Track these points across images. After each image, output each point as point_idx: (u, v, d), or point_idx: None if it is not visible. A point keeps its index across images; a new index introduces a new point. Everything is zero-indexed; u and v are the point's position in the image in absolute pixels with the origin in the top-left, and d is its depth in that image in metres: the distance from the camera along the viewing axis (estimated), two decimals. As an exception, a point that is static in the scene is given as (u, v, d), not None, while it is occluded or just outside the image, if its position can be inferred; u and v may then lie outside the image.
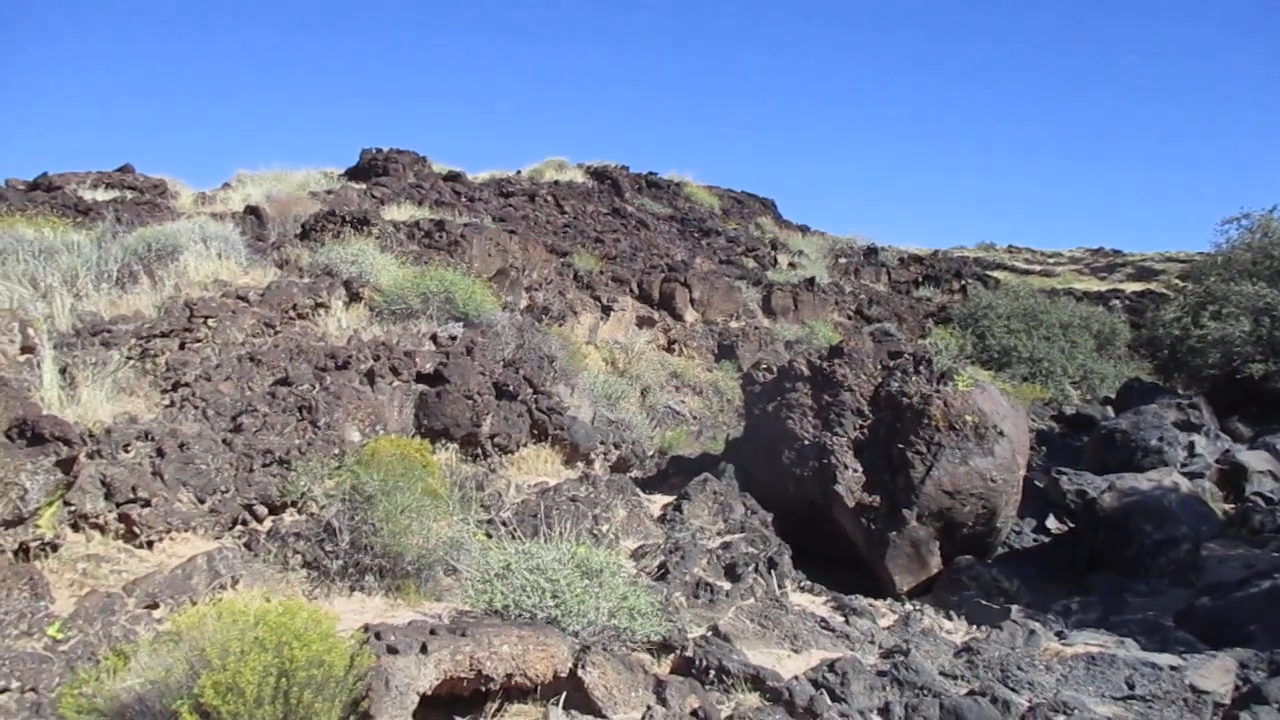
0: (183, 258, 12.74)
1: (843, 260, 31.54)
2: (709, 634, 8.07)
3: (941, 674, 7.92)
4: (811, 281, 25.63)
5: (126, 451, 8.14)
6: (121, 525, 7.68)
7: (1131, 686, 7.71)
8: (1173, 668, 7.96)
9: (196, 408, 9.45)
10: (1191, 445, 16.81)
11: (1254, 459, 15.83)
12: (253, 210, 16.90)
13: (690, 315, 21.48)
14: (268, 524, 8.59)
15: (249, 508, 8.57)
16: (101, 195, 18.99)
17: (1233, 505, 14.86)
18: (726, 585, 9.27)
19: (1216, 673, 8.01)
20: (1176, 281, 25.02)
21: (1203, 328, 19.94)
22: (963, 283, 31.26)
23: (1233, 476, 15.51)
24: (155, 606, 6.81)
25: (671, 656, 7.66)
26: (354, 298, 12.96)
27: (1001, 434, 11.13)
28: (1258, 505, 14.21)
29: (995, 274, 36.46)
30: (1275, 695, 7.77)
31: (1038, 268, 45.82)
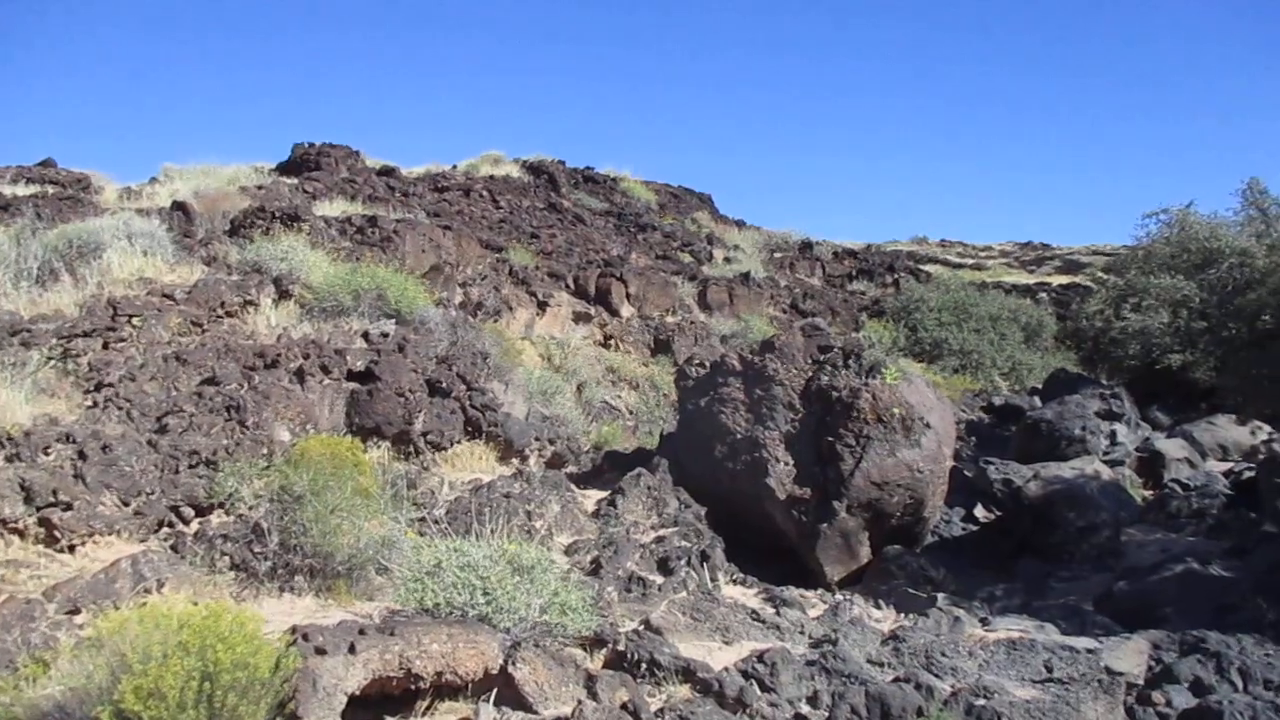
0: (106, 255, 12.48)
1: (778, 255, 31.84)
2: (641, 628, 8.15)
3: (869, 662, 8.09)
4: (747, 276, 25.84)
5: (46, 454, 8.00)
6: (42, 530, 7.55)
7: (1050, 669, 7.95)
8: (1089, 650, 8.23)
9: (120, 409, 9.30)
10: (1113, 434, 17.31)
11: (1172, 447, 16.36)
12: (180, 206, 16.56)
13: (626, 310, 21.54)
14: (195, 526, 8.49)
15: (175, 510, 8.47)
16: (22, 190, 18.48)
17: (1152, 491, 15.35)
18: (659, 579, 9.36)
19: (1130, 654, 8.29)
20: (1100, 275, 25.67)
21: (1124, 320, 20.51)
22: (895, 277, 31.73)
23: (1152, 464, 16.02)
24: (77, 612, 6.71)
25: (604, 651, 7.72)
26: (284, 295, 12.81)
27: (928, 426, 11.37)
28: (1175, 491, 14.69)
29: (928, 268, 37.09)
30: (1185, 675, 8.08)
31: (969, 261, 46.67)
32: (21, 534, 7.46)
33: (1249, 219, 19.90)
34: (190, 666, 4.78)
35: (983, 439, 19.69)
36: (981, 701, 6.99)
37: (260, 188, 20.16)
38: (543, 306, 19.38)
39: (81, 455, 8.11)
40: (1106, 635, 9.11)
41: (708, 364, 12.93)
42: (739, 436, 11.73)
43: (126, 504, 8.12)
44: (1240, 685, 7.89)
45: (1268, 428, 15.65)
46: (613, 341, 20.35)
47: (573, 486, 11.68)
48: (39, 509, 7.50)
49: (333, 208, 19.16)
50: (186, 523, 8.51)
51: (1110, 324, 21.30)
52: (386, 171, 25.61)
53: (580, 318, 20.29)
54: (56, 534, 7.55)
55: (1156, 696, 7.87)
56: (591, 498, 11.76)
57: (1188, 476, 15.47)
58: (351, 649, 5.77)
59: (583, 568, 9.39)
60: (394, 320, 12.48)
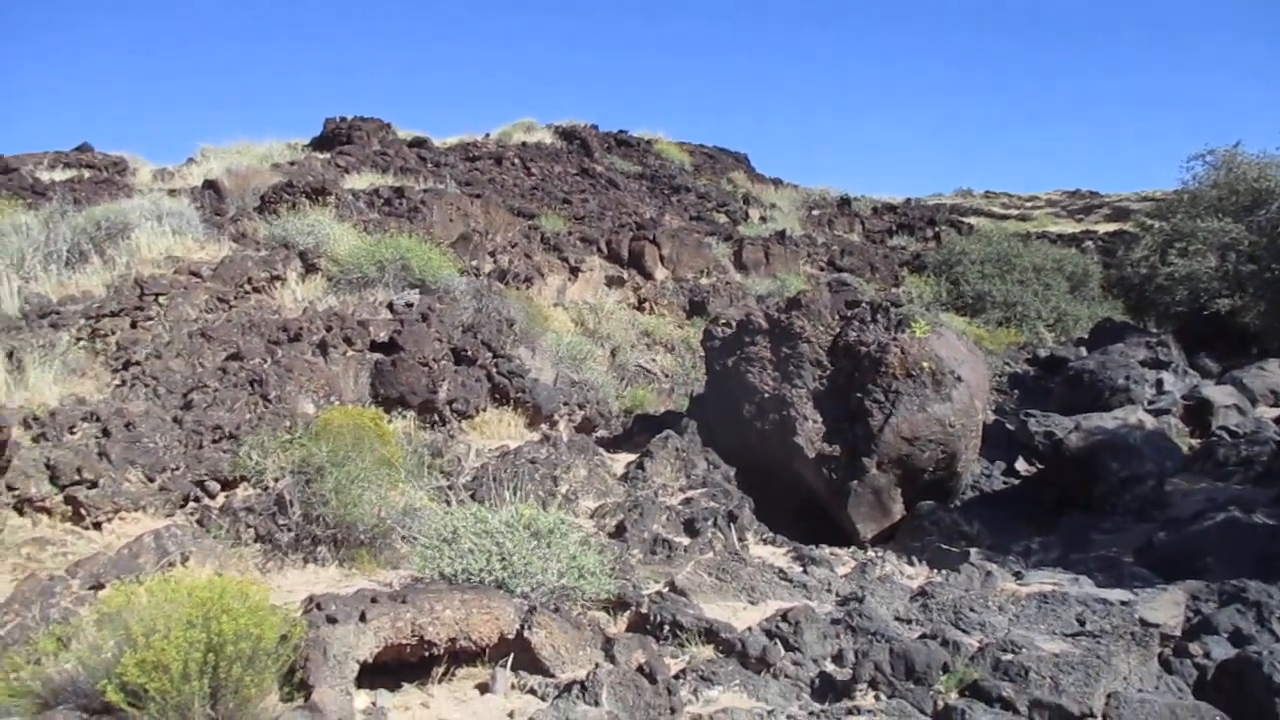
0: (135, 235, 12.60)
1: (816, 212, 31.45)
2: (665, 589, 8.11)
3: (896, 619, 7.98)
4: (783, 234, 25.53)
5: (72, 433, 8.10)
6: (68, 507, 7.66)
7: (1082, 623, 7.77)
8: (1123, 602, 8.04)
9: (147, 386, 9.40)
10: (1160, 383, 16.91)
11: (1219, 394, 15.92)
12: (211, 184, 16.71)
13: (660, 273, 21.40)
14: (220, 500, 8.58)
15: (200, 484, 8.55)
16: (59, 175, 18.76)
17: (1199, 440, 14.96)
18: (685, 540, 9.30)
19: (1166, 605, 8.09)
20: (1145, 220, 25.00)
21: (1170, 265, 19.97)
22: (936, 230, 31.20)
23: (1199, 412, 15.60)
24: (100, 587, 6.78)
25: (627, 614, 7.70)
26: (310, 269, 12.85)
27: (959, 379, 11.15)
28: (1222, 439, 14.30)
29: (971, 220, 36.39)
30: (1225, 625, 7.86)
31: (1015, 212, 45.75)
32: (49, 512, 7.57)
33: (1300, 157, 19.26)
34: (194, 639, 4.80)
35: (1027, 391, 19.36)
36: (1009, 656, 6.85)
37: (292, 164, 20.28)
38: (575, 272, 19.31)
39: (106, 433, 8.20)
40: (1144, 587, 8.90)
41: (734, 323, 12.78)
42: (766, 395, 11.60)
43: (152, 480, 8.21)
44: (1281, 635, 7.67)
45: (1316, 370, 15.17)
46: (647, 304, 20.23)
47: (601, 451, 11.66)
48: (64, 487, 7.60)
49: (362, 180, 19.21)
50: (212, 497, 8.60)
51: (1156, 270, 20.75)
52: (418, 143, 25.61)
53: (613, 282, 20.19)
54: (83, 511, 7.66)
55: (1194, 648, 7.67)
56: (620, 461, 11.72)
57: (1236, 424, 15.05)
58: (363, 617, 5.79)
59: (607, 531, 9.37)
60: (419, 290, 12.48)
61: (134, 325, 10.44)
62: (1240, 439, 14.21)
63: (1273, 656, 7.02)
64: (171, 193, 15.80)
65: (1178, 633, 7.93)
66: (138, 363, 9.66)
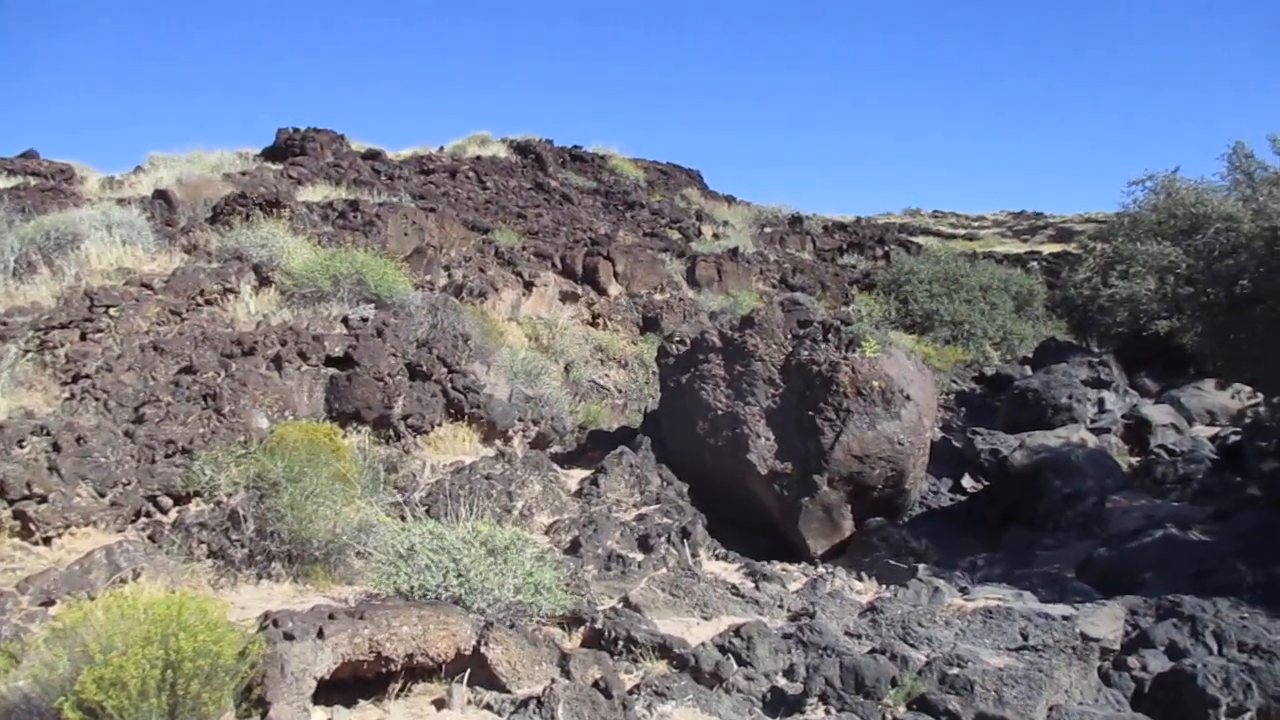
0: (85, 245, 12.46)
1: (768, 230, 31.76)
2: (619, 605, 8.20)
3: (846, 634, 8.14)
4: (735, 252, 25.78)
5: (21, 447, 7.99)
6: (17, 523, 7.57)
7: (1025, 637, 7.99)
8: (1064, 617, 8.27)
9: (97, 399, 9.30)
10: (1101, 401, 17.36)
11: (1158, 413, 16.39)
12: (161, 195, 16.50)
13: (614, 289, 21.51)
14: (172, 515, 8.51)
15: (152, 499, 8.48)
16: (3, 183, 18.42)
17: (1139, 458, 15.38)
18: (639, 556, 9.39)
19: (1106, 620, 8.34)
20: (1088, 242, 25.62)
21: (1111, 287, 20.50)
22: (886, 249, 31.68)
23: (1138, 430, 16.04)
24: (51, 603, 6.73)
25: (582, 629, 7.77)
26: (264, 282, 12.77)
27: (908, 398, 11.38)
28: (1160, 457, 14.73)
29: (920, 239, 36.96)
30: (1161, 640, 8.13)
31: (962, 232, 46.49)
32: (-3, 527, 7.48)
33: (1235, 183, 19.83)
34: (152, 655, 4.80)
35: (974, 409, 19.74)
36: (955, 670, 7.03)
37: (244, 174, 20.09)
38: (529, 287, 19.34)
39: (56, 447, 8.11)
40: (1086, 602, 9.16)
41: (688, 341, 12.93)
42: (720, 412, 11.75)
43: (103, 495, 8.13)
44: (1215, 648, 7.95)
45: (1248, 390, 15.67)
46: (601, 320, 20.33)
47: (555, 466, 11.72)
48: (13, 502, 7.51)
49: (316, 193, 19.09)
50: (164, 512, 8.53)
51: (1098, 292, 21.30)
52: (372, 155, 25.51)
53: (567, 297, 20.26)
54: (32, 526, 7.57)
55: (1132, 661, 7.94)
56: (575, 477, 11.79)
57: (1174, 442, 15.51)
58: (320, 634, 5.80)
59: (562, 547, 9.43)
60: (374, 305, 12.46)
61: (84, 337, 10.31)
62: (1178, 457, 14.66)
63: (1206, 669, 7.29)
64: (121, 202, 15.60)
65: (1117, 647, 8.20)
66: (88, 376, 9.55)
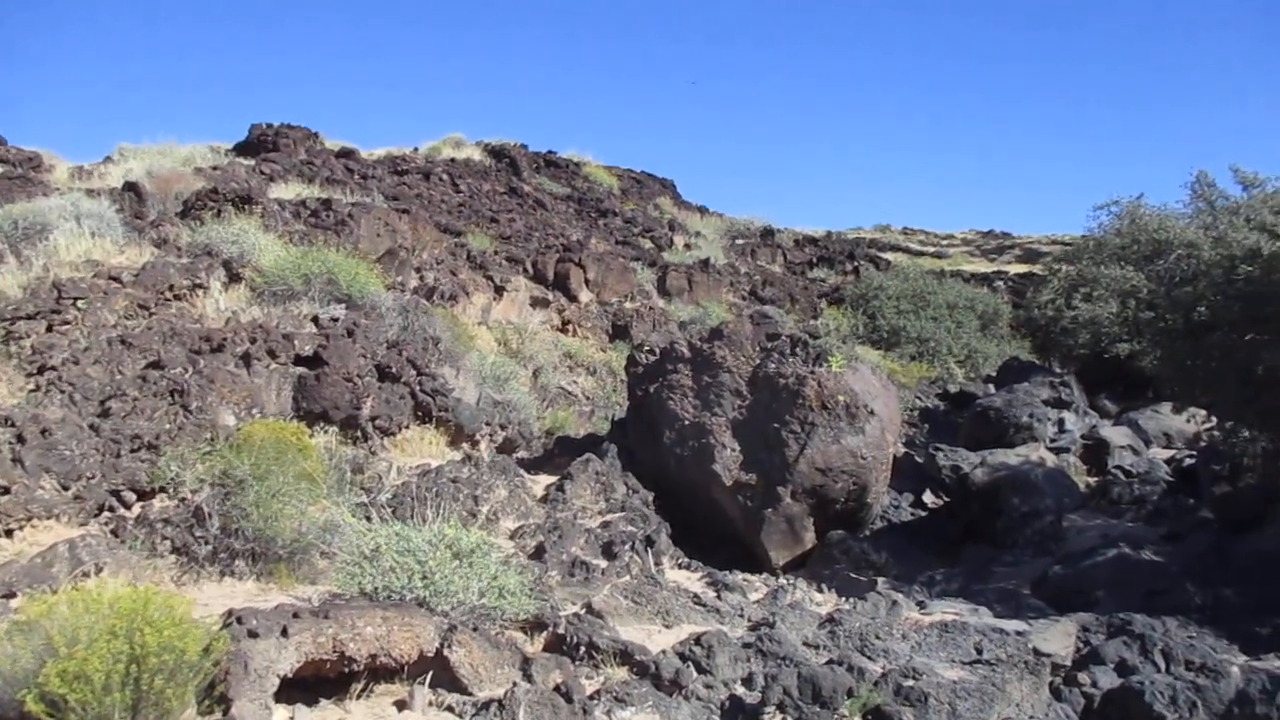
0: (53, 236, 12.36)
1: (740, 242, 31.96)
2: (582, 611, 8.27)
3: (805, 644, 8.26)
4: (707, 263, 25.93)
5: (-16, 438, 7.95)
6: (-21, 514, 7.52)
7: (980, 651, 8.15)
8: (1018, 633, 8.44)
9: (63, 392, 9.26)
10: (1061, 421, 17.63)
11: (1116, 434, 16.69)
12: (131, 186, 16.40)
13: (585, 296, 21.59)
14: (136, 510, 8.49)
15: (116, 494, 8.46)
16: (-31, 169, 18.22)
17: (1096, 478, 15.66)
18: (602, 563, 9.47)
19: (1058, 636, 8.52)
20: (1054, 264, 26.06)
21: (1074, 309, 20.84)
22: (855, 264, 31.96)
23: (1097, 451, 16.34)
24: (12, 596, 6.72)
25: (545, 634, 7.83)
26: (234, 279, 12.74)
27: (872, 413, 11.55)
28: (1117, 478, 15.01)
29: (889, 255, 37.34)
30: (1111, 656, 8.31)
31: (931, 249, 47.00)
32: (-42, 518, 7.44)
33: (1197, 211, 20.29)
34: (117, 650, 4.82)
35: (937, 426, 19.99)
36: (910, 683, 7.16)
37: (216, 169, 19.97)
38: (500, 291, 19.37)
39: (20, 439, 8.07)
40: (1039, 618, 9.34)
41: (658, 350, 13.04)
42: (687, 423, 11.86)
43: (66, 488, 8.11)
44: (1163, 666, 8.13)
45: (1203, 414, 16.01)
46: (571, 327, 20.40)
47: (522, 472, 11.77)
48: (-25, 493, 7.48)
49: (289, 190, 19.02)
50: (128, 507, 8.51)
51: (1062, 313, 21.63)
52: (346, 154, 25.43)
53: (538, 303, 20.31)
54: (-7, 518, 7.53)
55: (1082, 677, 8.10)
56: (541, 483, 11.85)
57: (1131, 463, 15.81)
58: (284, 632, 5.83)
59: (527, 552, 9.49)
60: (344, 305, 12.46)
61: (50, 329, 10.25)
62: (1134, 478, 14.94)
63: (1154, 686, 7.46)
64: (90, 193, 15.47)
65: (1068, 663, 8.37)
66: (54, 368, 9.50)
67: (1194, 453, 15.70)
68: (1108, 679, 8.00)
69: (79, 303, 10.66)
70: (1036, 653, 8.05)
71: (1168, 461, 16.06)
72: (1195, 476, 14.44)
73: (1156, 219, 20.41)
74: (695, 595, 9.27)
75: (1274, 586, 9.85)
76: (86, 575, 7.18)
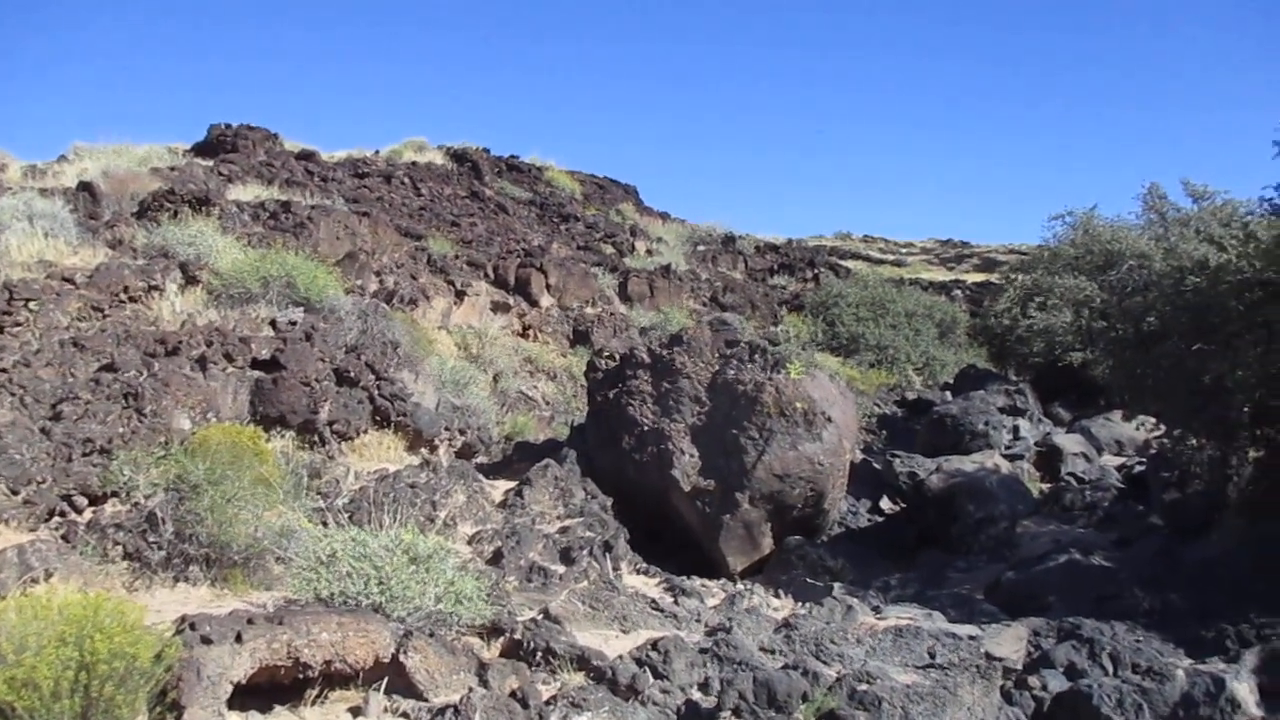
0: (4, 236, 12.20)
1: (701, 248, 32.11)
2: (539, 617, 8.27)
3: (761, 649, 8.32)
4: (668, 269, 26.04)
5: (-68, 441, 7.82)
6: (-75, 518, 7.40)
7: (933, 656, 8.25)
8: (971, 637, 8.56)
9: (14, 395, 9.13)
10: (1016, 429, 17.88)
11: (1069, 442, 16.95)
12: (86, 186, 16.18)
13: (546, 301, 21.59)
14: (88, 515, 8.38)
15: (67, 498, 8.35)
16: (-83, 167, 17.91)
17: (1050, 485, 15.90)
18: (560, 569, 9.48)
19: (1009, 640, 8.65)
20: (1010, 274, 26.46)
21: (1029, 318, 21.16)
22: (816, 272, 32.25)
23: (1050, 458, 16.59)
24: (-42, 602, 6.60)
25: (501, 640, 7.83)
26: (191, 281, 12.61)
27: (830, 420, 11.66)
28: (1070, 485, 15.24)
29: (849, 263, 37.70)
30: (1061, 660, 8.45)
31: (890, 258, 47.52)
32: (-97, 523, 7.31)
33: (1149, 223, 20.72)
34: (66, 657, 4.77)
35: (895, 432, 20.18)
36: (864, 687, 7.23)
37: (173, 169, 19.76)
38: (461, 296, 19.33)
39: (-31, 442, 7.96)
40: (991, 623, 9.48)
41: (618, 356, 13.08)
42: (646, 428, 11.91)
43: (16, 492, 7.99)
44: (1111, 669, 8.27)
45: (1152, 422, 16.32)
46: (531, 332, 20.39)
47: (480, 477, 11.75)
48: (-78, 497, 7.36)
49: (248, 192, 18.86)
50: (79, 512, 8.40)
51: (1017, 322, 21.95)
52: (306, 156, 25.25)
53: (499, 307, 20.28)
54: (-60, 523, 7.41)
55: (1033, 680, 8.22)
56: (500, 488, 11.83)
57: (1083, 470, 16.06)
58: (238, 638, 5.80)
59: (485, 557, 9.48)
60: (303, 308, 12.38)
61: (1, 331, 10.11)
62: (1086, 485, 15.19)
63: (1102, 690, 7.59)
64: (44, 192, 15.26)
65: (1019, 666, 8.49)
66: (4, 370, 9.35)
67: (1144, 460, 15.98)
68: (1057, 682, 8.12)
69: (31, 304, 10.51)
70: (988, 657, 8.17)
71: (1119, 469, 16.34)
72: (1145, 483, 14.69)
73: (1109, 230, 20.80)
74: (653, 600, 9.30)
75: (1219, 592, 10.05)
76: (36, 581, 7.08)
